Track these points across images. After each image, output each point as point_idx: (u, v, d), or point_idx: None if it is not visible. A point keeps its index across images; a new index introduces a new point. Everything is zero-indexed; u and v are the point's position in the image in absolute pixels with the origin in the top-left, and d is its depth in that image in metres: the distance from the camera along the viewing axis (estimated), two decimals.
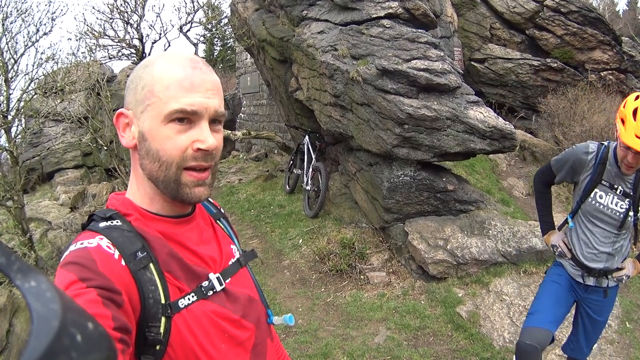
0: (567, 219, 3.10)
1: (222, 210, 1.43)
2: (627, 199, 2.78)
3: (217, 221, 1.35)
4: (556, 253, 3.13)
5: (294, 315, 5.09)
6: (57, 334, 0.39)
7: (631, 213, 2.78)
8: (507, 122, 5.79)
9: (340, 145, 7.88)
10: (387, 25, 6.77)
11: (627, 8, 48.80)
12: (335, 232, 6.88)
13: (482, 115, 5.67)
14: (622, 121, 2.58)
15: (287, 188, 9.44)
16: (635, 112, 2.53)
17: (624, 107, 2.62)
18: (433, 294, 5.51)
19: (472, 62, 11.28)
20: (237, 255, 1.30)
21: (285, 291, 6.05)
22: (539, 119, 10.16)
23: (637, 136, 2.50)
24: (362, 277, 6.04)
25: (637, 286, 5.93)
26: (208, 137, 1.07)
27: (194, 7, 11.65)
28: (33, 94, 10.16)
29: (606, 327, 4.45)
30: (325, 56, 6.91)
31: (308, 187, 8.10)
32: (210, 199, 1.38)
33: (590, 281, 2.96)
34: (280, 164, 12.07)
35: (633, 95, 2.64)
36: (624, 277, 2.97)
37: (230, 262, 1.25)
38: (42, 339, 0.38)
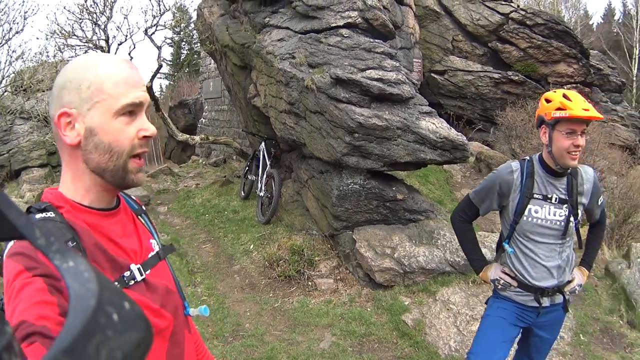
0: (503, 247, 2.87)
1: (143, 206, 1.51)
2: (565, 205, 2.65)
3: (139, 217, 1.43)
4: (499, 287, 2.85)
5: (241, 319, 5.00)
6: (94, 312, 0.39)
7: (572, 219, 2.65)
8: (460, 134, 5.89)
9: (295, 153, 7.90)
10: (345, 35, 6.84)
11: (602, 21, 50.11)
12: (286, 238, 6.88)
13: (435, 126, 5.75)
14: (561, 108, 2.52)
15: (242, 194, 9.40)
16: (565, 96, 2.55)
17: (548, 101, 2.62)
18: (379, 302, 5.54)
19: (432, 74, 11.45)
20: (156, 249, 1.37)
21: (235, 295, 6.03)
22: (497, 132, 10.35)
23: (584, 109, 2.49)
24: (310, 283, 6.06)
25: (593, 299, 6.07)
26: (150, 125, 1.22)
27: (160, 10, 11.57)
28: (3, 91, 9.99)
29: (559, 339, 4.54)
30: (282, 64, 6.93)
31: (261, 194, 8.09)
32: (133, 196, 1.50)
33: (546, 302, 2.77)
34: (238, 170, 12.04)
35: (547, 93, 2.68)
36: (577, 287, 2.84)
37: (149, 255, 1.32)
38: (79, 317, 0.38)
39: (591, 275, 6.46)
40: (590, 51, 12.03)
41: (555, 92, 2.63)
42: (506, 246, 2.82)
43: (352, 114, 5.74)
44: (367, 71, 6.11)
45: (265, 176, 8.14)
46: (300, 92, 6.53)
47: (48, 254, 0.43)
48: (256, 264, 6.70)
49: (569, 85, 10.63)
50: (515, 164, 2.76)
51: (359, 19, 7.02)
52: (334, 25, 7.00)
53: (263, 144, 8.62)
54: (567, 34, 11.07)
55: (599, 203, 2.84)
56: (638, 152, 15.61)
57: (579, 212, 2.72)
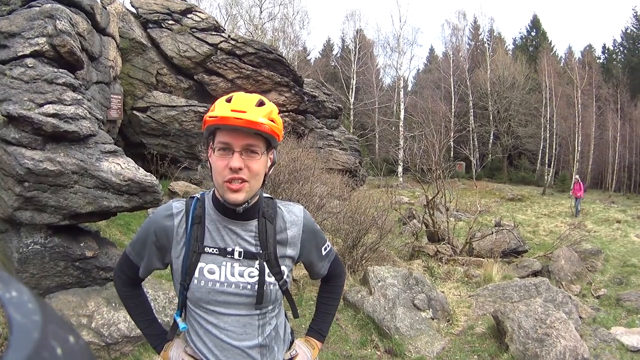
0: (174, 321, 1.98)
1: None
2: (257, 262, 1.83)
3: None
4: None
5: None
6: (37, 347, 0.37)
7: (270, 279, 1.85)
8: (149, 174, 5.12)
9: None
10: (30, 65, 5.76)
11: (321, 56, 54.76)
12: None
13: (120, 166, 4.92)
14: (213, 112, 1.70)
15: None
16: (229, 100, 1.73)
17: (213, 109, 1.73)
18: None
19: (134, 111, 10.56)
20: None
21: None
22: (204, 169, 9.88)
23: (234, 110, 1.66)
24: None
25: (338, 335, 5.76)
26: None
27: None
28: None
29: None
30: None
31: None
32: None
33: None
34: None
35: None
36: None
37: None
38: (21, 352, 0.36)
39: None
40: (305, 79, 12.39)
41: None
42: (178, 320, 1.94)
43: (21, 158, 4.63)
44: (45, 106, 5.09)
45: None
46: None
47: None
48: None
49: (281, 114, 10.77)
50: (178, 204, 1.89)
51: (47, 46, 6.00)
52: (21, 54, 5.91)
53: None
54: (279, 62, 11.20)
55: (323, 252, 2.08)
56: (359, 174, 16.87)
57: (284, 269, 1.90)
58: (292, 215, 1.95)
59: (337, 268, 2.21)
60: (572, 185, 24.41)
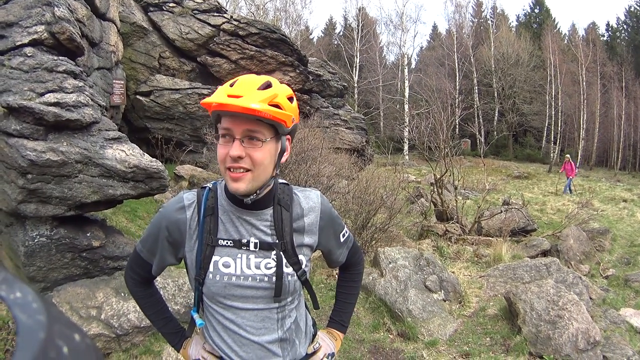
0: (192, 317, 1.89)
1: None
2: (273, 252, 1.73)
3: None
4: None
5: None
6: (43, 346, 0.38)
7: (287, 269, 1.74)
8: (155, 160, 5.03)
9: None
10: (29, 54, 5.61)
11: (323, 34, 54.34)
12: None
13: (125, 153, 4.83)
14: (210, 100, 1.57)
15: None
16: (232, 84, 1.60)
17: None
18: None
19: (138, 96, 10.44)
20: None
21: None
22: (209, 151, 9.75)
23: (230, 95, 1.55)
24: None
25: (351, 318, 5.69)
26: None
27: None
28: None
29: None
30: None
31: None
32: None
33: None
34: None
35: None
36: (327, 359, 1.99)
37: None
38: (28, 352, 0.37)
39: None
40: (310, 58, 12.19)
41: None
42: (194, 316, 1.85)
43: (23, 150, 4.54)
44: (46, 95, 4.99)
45: None
46: None
47: None
48: None
49: None
50: (189, 195, 1.78)
51: (45, 34, 5.85)
52: (19, 43, 5.75)
53: None
54: (283, 42, 11.01)
55: (342, 239, 1.97)
56: (366, 153, 16.74)
57: (302, 258, 1.79)
58: (309, 201, 1.83)
59: (355, 255, 2.11)
60: (562, 165, 23.24)
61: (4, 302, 0.40)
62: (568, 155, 23.49)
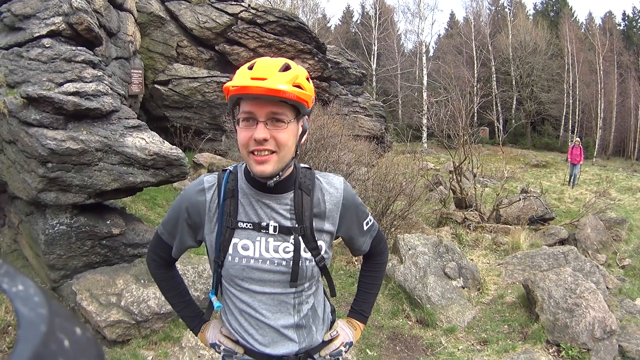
0: (210, 300, 1.91)
1: None
2: (292, 236, 1.71)
3: None
4: (222, 354, 1.91)
5: None
6: (45, 339, 0.38)
7: (306, 255, 1.72)
8: (174, 147, 5.07)
9: (7, 194, 6.49)
10: (47, 45, 5.70)
11: (341, 22, 54.11)
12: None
13: (145, 141, 4.87)
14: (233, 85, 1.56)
15: None
16: (251, 67, 1.59)
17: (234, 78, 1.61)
18: None
19: (156, 85, 10.50)
20: None
21: None
22: (228, 139, 9.76)
23: (254, 78, 1.53)
24: None
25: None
26: None
27: None
28: None
29: None
30: None
31: None
32: None
33: None
34: None
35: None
36: (342, 349, 1.95)
37: None
38: (29, 344, 0.37)
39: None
40: (328, 46, 12.14)
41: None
42: (213, 299, 1.87)
43: (43, 139, 4.60)
44: (65, 85, 5.05)
45: None
46: None
47: None
48: None
49: None
50: (210, 178, 1.79)
51: (63, 25, 5.91)
52: (37, 35, 5.83)
53: None
54: (301, 29, 10.98)
55: (365, 227, 1.93)
56: (385, 140, 16.65)
57: (322, 244, 1.77)
58: (332, 187, 1.81)
59: (379, 244, 2.07)
60: (570, 150, 19.63)
61: (5, 294, 0.40)
62: (578, 139, 20.62)
